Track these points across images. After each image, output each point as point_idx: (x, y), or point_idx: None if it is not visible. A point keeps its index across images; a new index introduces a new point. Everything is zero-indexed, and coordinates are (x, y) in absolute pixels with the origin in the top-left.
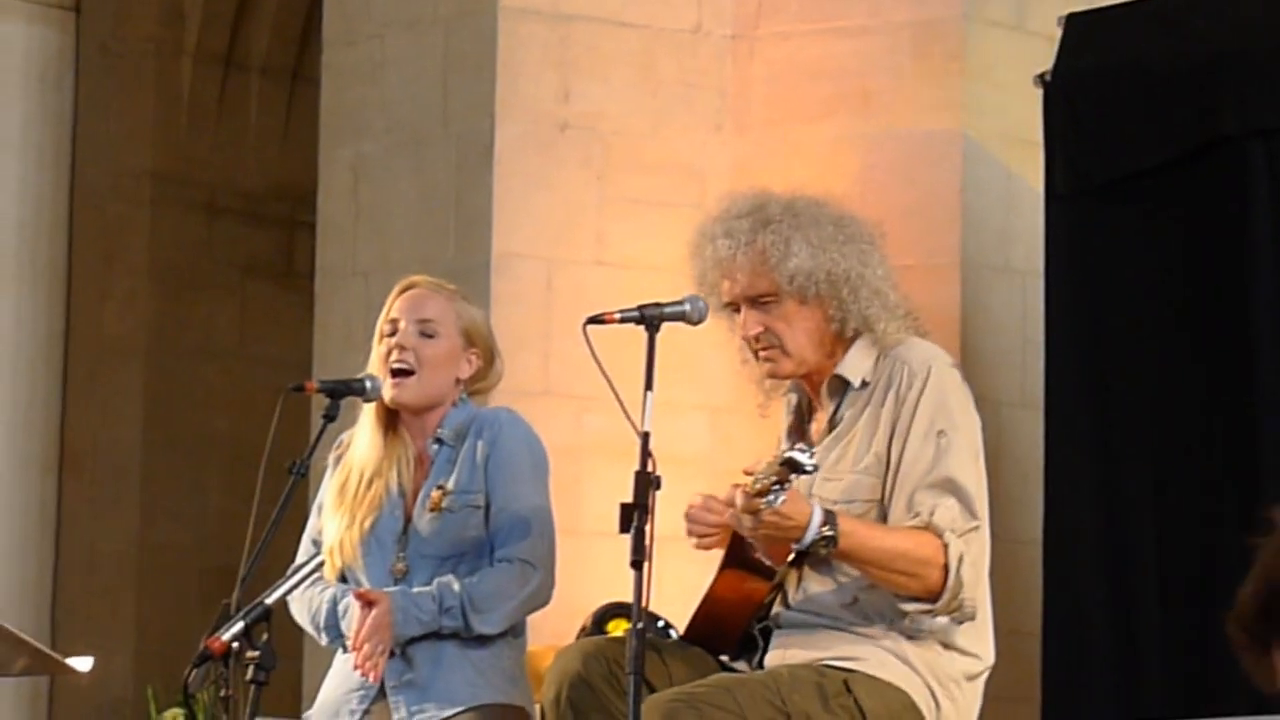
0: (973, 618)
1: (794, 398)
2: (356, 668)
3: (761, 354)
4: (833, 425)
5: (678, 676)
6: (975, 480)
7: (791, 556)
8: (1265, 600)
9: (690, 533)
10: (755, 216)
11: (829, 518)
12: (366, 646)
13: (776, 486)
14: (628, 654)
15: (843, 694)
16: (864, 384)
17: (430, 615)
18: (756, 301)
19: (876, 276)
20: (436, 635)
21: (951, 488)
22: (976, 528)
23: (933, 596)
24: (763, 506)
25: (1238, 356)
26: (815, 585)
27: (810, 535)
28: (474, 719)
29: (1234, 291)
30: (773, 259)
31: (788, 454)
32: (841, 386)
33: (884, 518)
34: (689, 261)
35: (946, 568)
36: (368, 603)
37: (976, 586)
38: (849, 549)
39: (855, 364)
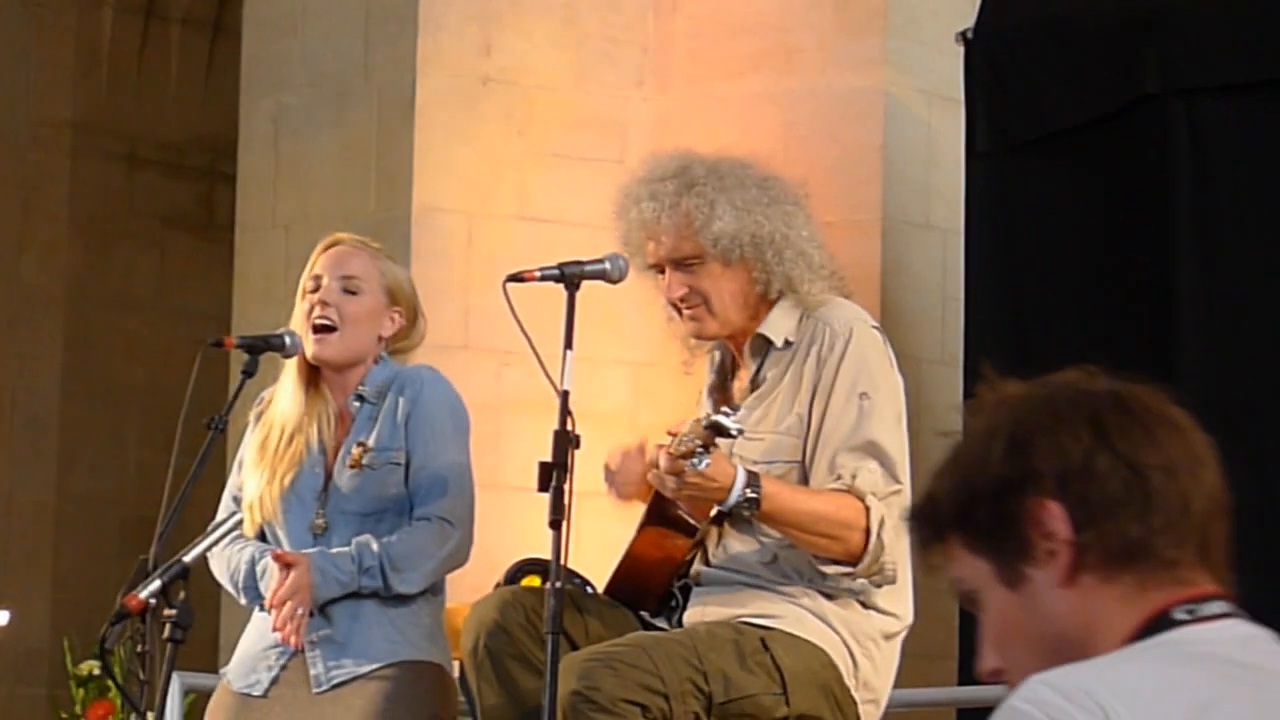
0: (893, 581)
1: (717, 355)
2: (276, 629)
3: (687, 314)
4: (755, 385)
5: (596, 632)
6: (897, 444)
7: (713, 514)
8: (962, 502)
9: (609, 483)
10: (680, 179)
11: (752, 480)
12: (285, 608)
13: (700, 450)
14: (546, 613)
15: (760, 652)
16: (787, 344)
17: (349, 576)
18: (681, 264)
19: (801, 238)
20: (355, 593)
21: (874, 451)
22: (898, 491)
23: (854, 559)
24: (687, 469)
25: (1158, 313)
26: (736, 544)
27: (734, 497)
28: (392, 675)
29: (1155, 249)
30: (697, 222)
31: (713, 418)
32: (764, 346)
33: (805, 479)
34: (613, 222)
35: (868, 531)
36: (286, 565)
37: (896, 549)
38: (771, 511)
39: (778, 324)
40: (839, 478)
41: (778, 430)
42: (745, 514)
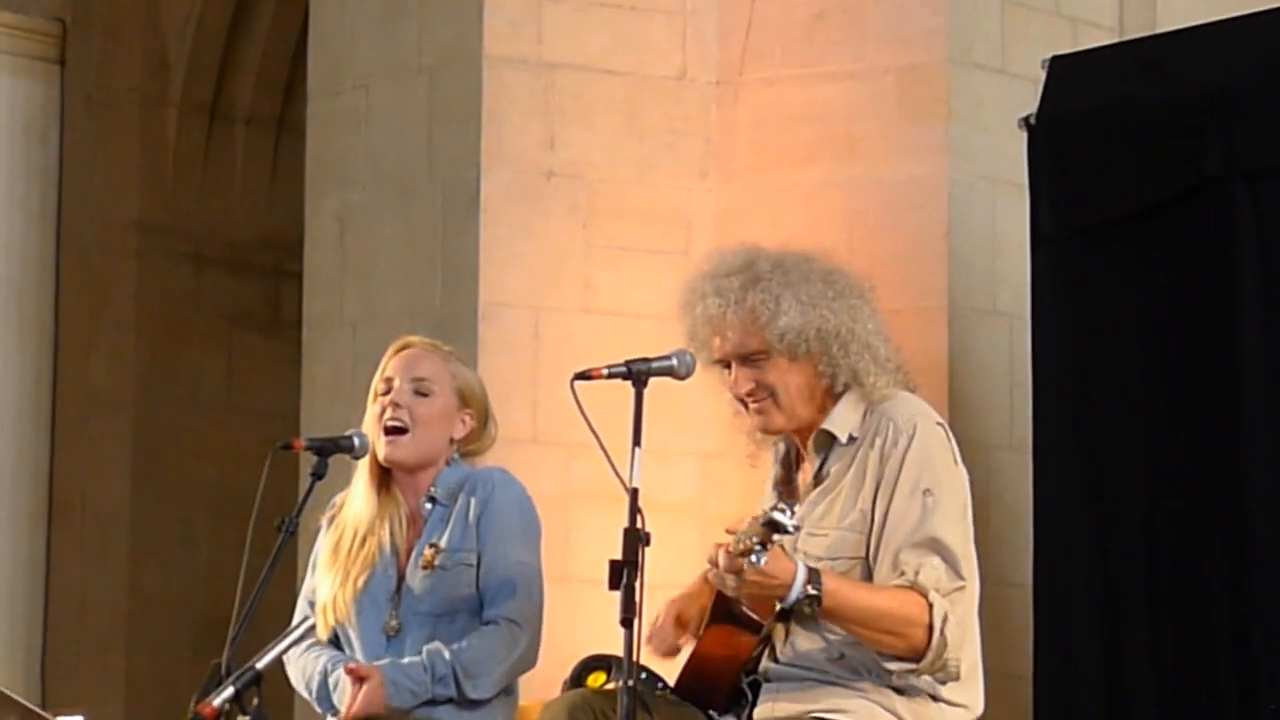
0: (957, 678)
1: (782, 447)
2: None
3: (753, 408)
4: (819, 480)
5: None
6: (961, 539)
7: (778, 610)
8: None
9: (648, 642)
10: (745, 274)
11: (813, 576)
12: None
13: (758, 547)
14: (619, 712)
15: None
16: (851, 439)
17: (422, 686)
18: (747, 359)
19: (866, 331)
20: (431, 700)
21: (937, 547)
22: (962, 587)
23: (917, 655)
24: (745, 567)
25: (1225, 399)
26: (803, 640)
27: (795, 594)
28: None
29: (1221, 334)
30: (763, 317)
31: (769, 515)
32: (828, 441)
33: (869, 575)
34: (679, 317)
35: (931, 627)
36: (359, 678)
37: (962, 646)
38: (833, 608)
39: (843, 419)
40: (902, 574)
41: (841, 526)
42: (807, 610)
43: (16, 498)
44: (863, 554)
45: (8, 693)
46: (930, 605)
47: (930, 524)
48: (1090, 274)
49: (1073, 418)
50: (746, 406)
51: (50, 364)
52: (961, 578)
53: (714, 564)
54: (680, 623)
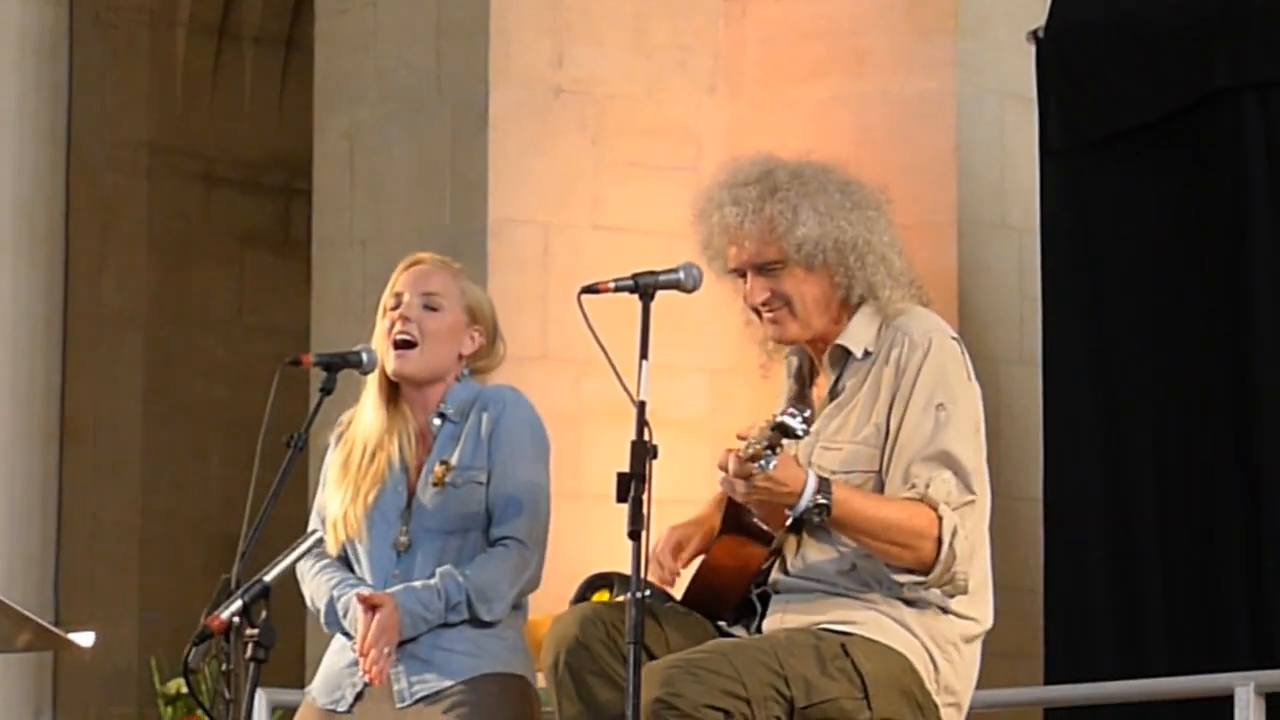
0: (965, 591)
1: (795, 361)
2: (363, 671)
3: (768, 317)
4: (834, 394)
5: (675, 643)
6: (973, 454)
7: (789, 522)
8: None
9: (652, 569)
10: (763, 184)
11: (823, 485)
12: (373, 651)
13: (768, 451)
14: (628, 623)
15: (840, 657)
16: (866, 354)
17: (437, 614)
18: (763, 268)
19: (883, 243)
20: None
21: (948, 461)
22: (972, 502)
23: (925, 569)
24: (755, 471)
25: (1236, 308)
26: (814, 552)
27: (804, 502)
28: (476, 688)
29: (1230, 241)
30: (780, 227)
31: (779, 418)
32: (843, 356)
33: (882, 489)
34: (693, 226)
35: (940, 540)
36: (371, 606)
37: (970, 560)
38: (842, 517)
39: (858, 333)
40: (913, 487)
41: (855, 440)
42: (816, 520)
43: (29, 418)
44: (876, 468)
45: (20, 609)
46: (940, 518)
47: (942, 438)
48: (1100, 187)
49: (1083, 331)
50: (760, 316)
51: (61, 284)
52: (972, 492)
53: (724, 469)
54: (678, 551)
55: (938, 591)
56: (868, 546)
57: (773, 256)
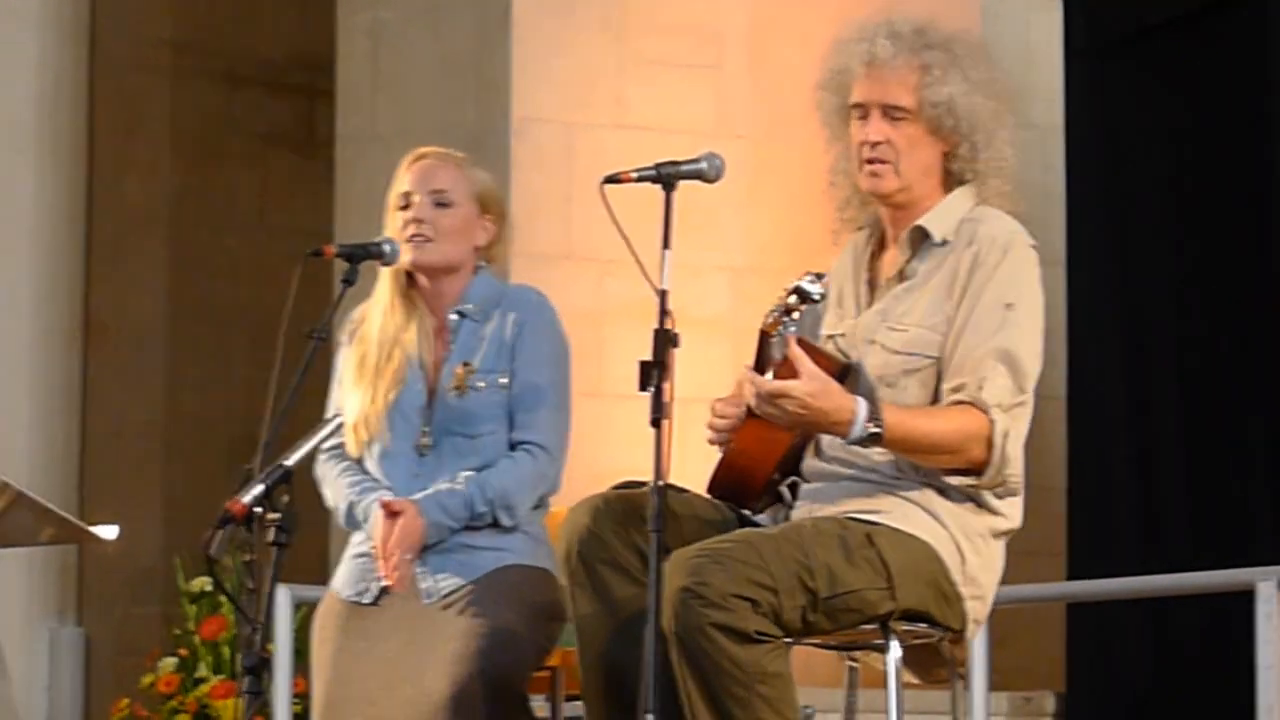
0: (1016, 493)
1: (862, 238)
2: (385, 577)
3: (870, 168)
4: (903, 276)
5: (693, 533)
6: (1032, 357)
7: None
8: None
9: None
10: (921, 36)
11: (873, 413)
12: (395, 557)
13: (785, 317)
14: (650, 511)
15: (865, 546)
16: (944, 242)
17: (460, 522)
18: (889, 111)
19: (1003, 139)
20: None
21: (1007, 359)
22: (1023, 403)
23: (977, 470)
24: (778, 336)
25: (1261, 206)
26: None
27: (857, 430)
28: (500, 579)
29: (1256, 139)
30: (929, 77)
31: (797, 283)
32: (921, 238)
33: (939, 378)
34: (826, 56)
35: (991, 443)
36: (392, 512)
37: (1020, 461)
38: (895, 440)
39: (943, 217)
40: (964, 387)
41: (924, 325)
42: (869, 447)
43: (52, 317)
44: (938, 354)
45: (45, 502)
46: (992, 421)
47: (1006, 334)
48: (1124, 85)
49: (1106, 230)
50: (862, 165)
51: (84, 183)
52: (1024, 392)
53: (755, 397)
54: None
55: (988, 493)
56: (921, 460)
57: (906, 103)
